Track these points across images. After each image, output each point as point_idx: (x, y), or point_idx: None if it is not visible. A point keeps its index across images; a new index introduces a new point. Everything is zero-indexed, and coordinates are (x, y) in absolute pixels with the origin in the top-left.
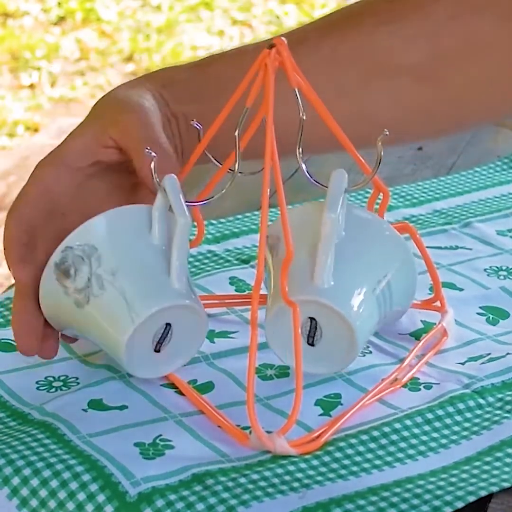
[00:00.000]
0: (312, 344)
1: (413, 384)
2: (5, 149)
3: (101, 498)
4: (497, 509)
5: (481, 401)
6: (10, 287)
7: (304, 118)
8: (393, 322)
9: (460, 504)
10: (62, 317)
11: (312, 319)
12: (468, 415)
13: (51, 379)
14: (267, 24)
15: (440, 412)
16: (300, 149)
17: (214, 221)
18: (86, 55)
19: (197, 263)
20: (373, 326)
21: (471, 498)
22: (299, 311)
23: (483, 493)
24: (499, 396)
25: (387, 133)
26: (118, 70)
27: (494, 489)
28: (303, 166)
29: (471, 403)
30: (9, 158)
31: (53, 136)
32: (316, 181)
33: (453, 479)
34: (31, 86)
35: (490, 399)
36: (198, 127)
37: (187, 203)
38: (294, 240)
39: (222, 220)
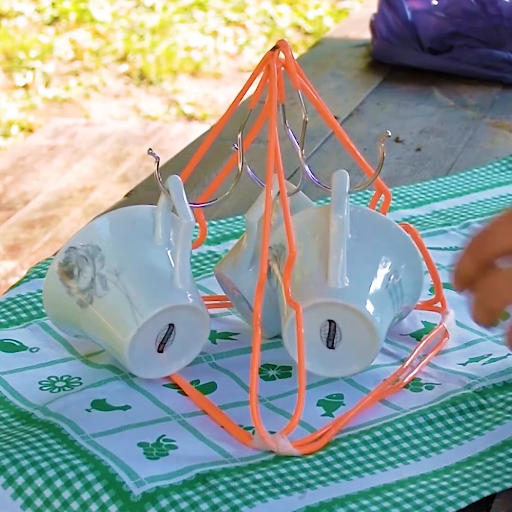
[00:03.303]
0: (332, 347)
1: (415, 385)
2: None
3: (105, 497)
4: (500, 509)
5: (483, 401)
6: (11, 288)
7: (307, 119)
8: (403, 318)
9: (463, 504)
10: (65, 317)
11: (331, 321)
12: (470, 415)
13: (54, 379)
14: (261, 24)
15: (442, 413)
16: (303, 150)
17: (214, 222)
18: (80, 55)
19: (197, 264)
20: (390, 322)
21: (474, 498)
22: (301, 313)
23: (486, 493)
24: (501, 396)
25: (389, 134)
26: (112, 71)
27: (497, 489)
28: (306, 167)
29: (473, 403)
30: (4, 158)
31: (48, 136)
32: (319, 182)
33: (456, 479)
34: (25, 87)
35: (492, 399)
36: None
37: (190, 205)
38: (302, 246)
39: (222, 221)
